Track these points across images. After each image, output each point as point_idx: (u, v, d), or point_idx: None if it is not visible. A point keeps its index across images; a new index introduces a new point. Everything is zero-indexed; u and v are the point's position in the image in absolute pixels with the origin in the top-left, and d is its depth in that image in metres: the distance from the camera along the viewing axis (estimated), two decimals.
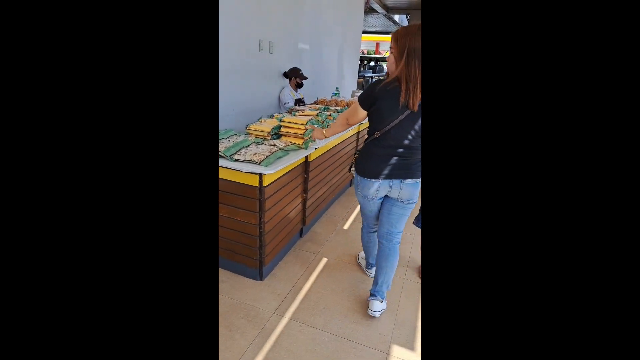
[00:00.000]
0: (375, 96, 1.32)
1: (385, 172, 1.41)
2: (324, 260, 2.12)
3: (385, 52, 14.50)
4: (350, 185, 3.43)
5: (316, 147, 2.12)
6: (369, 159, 1.43)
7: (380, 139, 1.37)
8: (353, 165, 1.57)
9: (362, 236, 1.82)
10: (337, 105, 3.28)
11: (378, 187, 1.45)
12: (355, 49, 5.92)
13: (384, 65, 12.14)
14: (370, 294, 1.66)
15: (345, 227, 2.57)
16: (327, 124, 2.44)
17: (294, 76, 3.67)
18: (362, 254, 2.09)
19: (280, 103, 3.74)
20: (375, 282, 1.65)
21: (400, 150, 1.37)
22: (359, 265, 2.08)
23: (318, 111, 2.49)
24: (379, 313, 1.63)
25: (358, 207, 2.87)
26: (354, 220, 2.68)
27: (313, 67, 4.45)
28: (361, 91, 1.50)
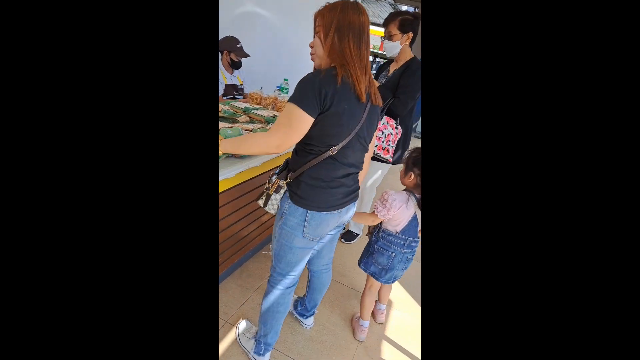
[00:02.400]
0: (326, 93, 0.88)
1: (345, 197, 1.06)
2: None
3: None
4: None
5: None
6: (329, 187, 1.00)
7: (337, 156, 0.98)
8: (274, 199, 1.07)
9: (273, 296, 1.21)
10: (275, 107, 2.04)
11: (339, 219, 1.09)
12: None
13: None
14: (301, 314, 1.52)
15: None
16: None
17: (227, 49, 2.40)
18: (245, 324, 1.46)
19: None
20: (313, 307, 1.48)
21: (354, 169, 1.05)
22: (239, 343, 1.39)
23: None
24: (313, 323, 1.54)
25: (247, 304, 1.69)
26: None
27: (275, 45, 3.17)
28: None
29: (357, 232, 2.37)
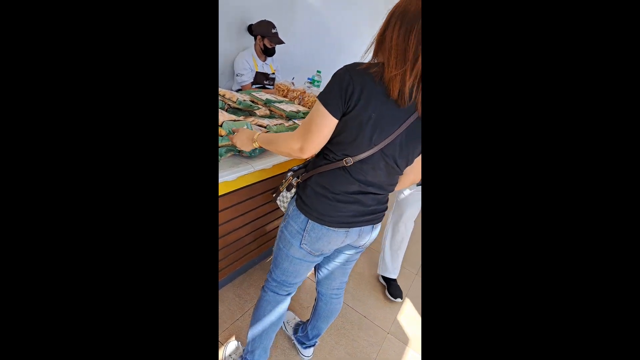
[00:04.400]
0: (353, 92, 0.73)
1: (356, 217, 0.89)
2: None
3: None
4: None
5: None
6: (333, 200, 0.86)
7: (352, 169, 0.83)
8: (285, 197, 1.00)
9: (264, 302, 1.07)
10: (302, 101, 1.83)
11: (344, 239, 0.92)
12: None
13: None
14: (301, 342, 1.32)
15: None
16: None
17: (261, 34, 2.22)
18: (235, 345, 1.29)
19: (234, 74, 2.33)
20: (315, 336, 1.27)
21: (376, 189, 0.87)
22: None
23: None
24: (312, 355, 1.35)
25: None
26: None
27: (318, 33, 2.96)
28: None
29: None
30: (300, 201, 0.89)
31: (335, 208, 0.86)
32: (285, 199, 1.00)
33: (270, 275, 1.06)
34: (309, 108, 1.79)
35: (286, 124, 1.42)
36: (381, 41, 0.75)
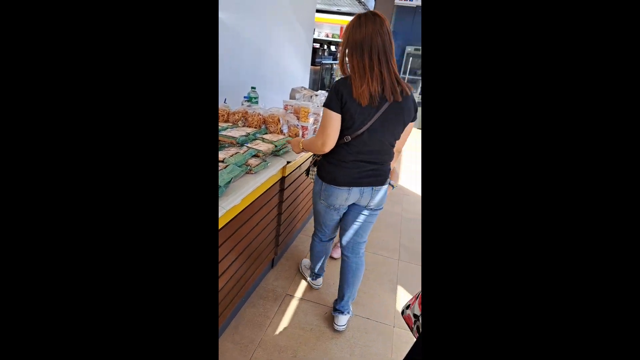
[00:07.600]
0: (342, 94, 1.15)
1: (357, 179, 1.28)
2: None
3: None
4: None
5: None
6: (339, 166, 1.28)
7: (350, 144, 1.23)
8: (312, 170, 1.49)
9: (313, 245, 1.63)
10: (246, 122, 1.74)
11: (348, 196, 1.32)
12: (307, 25, 4.30)
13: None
14: (335, 309, 1.57)
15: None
16: None
17: None
18: (306, 261, 1.91)
19: None
20: (341, 298, 1.54)
21: (373, 156, 1.26)
22: (301, 273, 1.88)
23: None
24: (346, 325, 1.55)
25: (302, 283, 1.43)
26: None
27: (235, 48, 2.84)
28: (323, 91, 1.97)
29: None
30: (319, 170, 1.35)
31: (340, 171, 1.26)
32: (313, 173, 1.46)
33: (314, 228, 1.55)
34: (255, 127, 1.71)
35: (241, 151, 1.34)
36: (343, 66, 1.20)
